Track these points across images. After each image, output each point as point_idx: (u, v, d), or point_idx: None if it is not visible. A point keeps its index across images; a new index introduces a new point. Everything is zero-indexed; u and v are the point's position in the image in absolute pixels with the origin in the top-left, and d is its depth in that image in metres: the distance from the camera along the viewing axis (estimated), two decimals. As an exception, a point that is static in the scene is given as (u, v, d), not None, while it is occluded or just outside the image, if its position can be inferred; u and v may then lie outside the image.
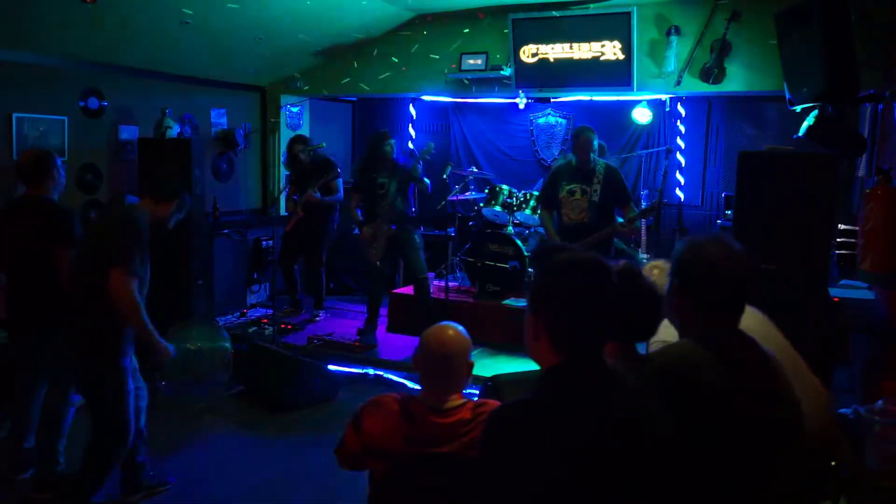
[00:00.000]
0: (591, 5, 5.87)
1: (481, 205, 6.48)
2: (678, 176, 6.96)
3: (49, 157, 3.64)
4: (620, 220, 5.03)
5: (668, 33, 5.64)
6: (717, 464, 1.60)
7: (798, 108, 4.37)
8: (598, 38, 5.86)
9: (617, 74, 5.87)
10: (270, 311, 6.28)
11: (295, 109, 7.72)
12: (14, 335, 3.67)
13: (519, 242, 5.96)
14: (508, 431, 1.48)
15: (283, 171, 7.62)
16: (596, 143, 5.01)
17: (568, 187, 4.94)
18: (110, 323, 3.19)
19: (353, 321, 6.52)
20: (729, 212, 6.17)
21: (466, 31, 6.45)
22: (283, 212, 7.25)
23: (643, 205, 6.38)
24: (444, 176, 5.65)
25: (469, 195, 6.96)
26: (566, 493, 1.40)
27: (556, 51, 6.06)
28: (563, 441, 1.40)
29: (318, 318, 6.54)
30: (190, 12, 5.24)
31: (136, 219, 3.26)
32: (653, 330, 1.83)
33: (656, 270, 2.15)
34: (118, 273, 3.10)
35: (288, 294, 6.81)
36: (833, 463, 1.91)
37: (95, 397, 3.26)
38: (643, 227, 6.27)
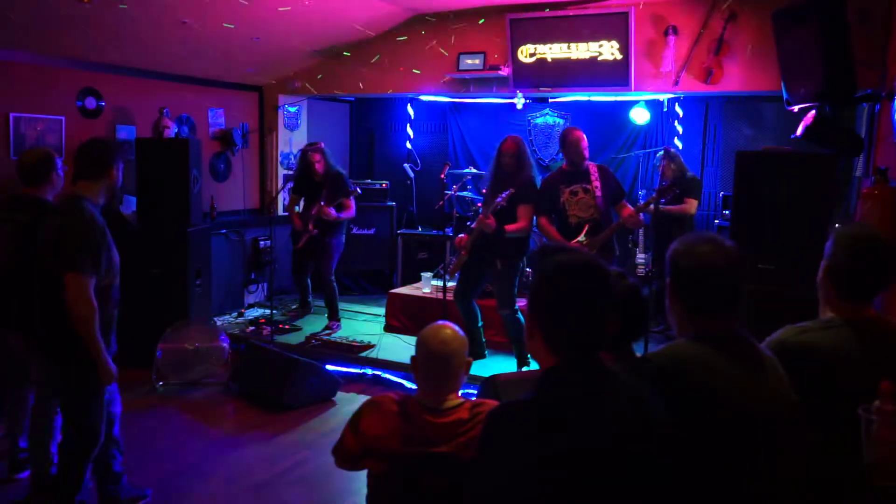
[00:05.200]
0: (590, 5, 5.87)
1: (479, 204, 6.47)
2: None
3: (51, 159, 3.61)
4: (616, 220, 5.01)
5: (666, 33, 5.64)
6: (716, 463, 1.60)
7: (795, 108, 4.38)
8: (595, 38, 5.86)
9: (615, 74, 5.87)
10: (268, 311, 6.27)
11: (293, 109, 7.72)
12: (3, 334, 3.65)
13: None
14: (506, 432, 1.48)
15: (282, 171, 7.61)
16: (586, 140, 4.98)
17: (568, 189, 4.93)
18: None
19: (351, 321, 6.52)
20: (727, 212, 6.17)
21: (464, 30, 6.44)
22: (281, 211, 7.24)
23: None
24: (442, 176, 5.63)
25: (467, 194, 6.97)
26: (563, 494, 1.40)
27: (553, 51, 6.06)
28: (561, 441, 1.41)
29: (332, 329, 6.22)
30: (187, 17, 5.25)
31: (83, 217, 3.03)
32: (643, 329, 1.85)
33: None
34: (72, 278, 2.94)
35: (299, 297, 6.71)
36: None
37: (68, 398, 3.18)
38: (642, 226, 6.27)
